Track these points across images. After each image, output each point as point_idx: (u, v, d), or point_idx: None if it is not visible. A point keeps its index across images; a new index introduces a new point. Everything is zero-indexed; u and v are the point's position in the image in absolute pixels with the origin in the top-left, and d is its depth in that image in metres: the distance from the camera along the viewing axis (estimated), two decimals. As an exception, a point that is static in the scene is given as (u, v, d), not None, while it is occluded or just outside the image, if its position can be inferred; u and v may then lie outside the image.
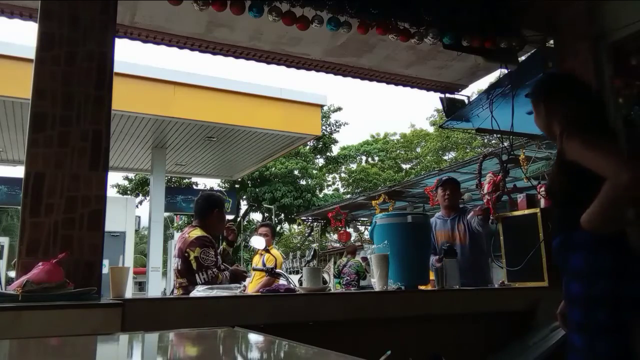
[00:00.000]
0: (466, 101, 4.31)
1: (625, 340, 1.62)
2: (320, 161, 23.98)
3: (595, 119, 1.84)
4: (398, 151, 25.88)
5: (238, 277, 3.18)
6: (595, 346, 1.62)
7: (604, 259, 1.67)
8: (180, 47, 3.53)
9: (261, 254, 4.52)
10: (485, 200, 4.40)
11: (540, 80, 2.23)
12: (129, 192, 21.15)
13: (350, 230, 14.24)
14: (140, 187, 20.69)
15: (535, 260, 2.74)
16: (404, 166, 25.53)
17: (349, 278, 2.69)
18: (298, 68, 3.87)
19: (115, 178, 23.80)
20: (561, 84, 1.97)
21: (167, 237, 16.99)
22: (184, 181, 20.64)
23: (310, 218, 16.30)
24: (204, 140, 8.91)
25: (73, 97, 2.19)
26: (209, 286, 2.36)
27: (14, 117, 7.48)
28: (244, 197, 20.66)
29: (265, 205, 20.06)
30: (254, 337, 0.56)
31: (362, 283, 2.81)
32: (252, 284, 4.13)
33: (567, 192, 1.78)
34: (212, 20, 3.23)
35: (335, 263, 2.87)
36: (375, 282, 2.55)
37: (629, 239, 1.71)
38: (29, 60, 2.51)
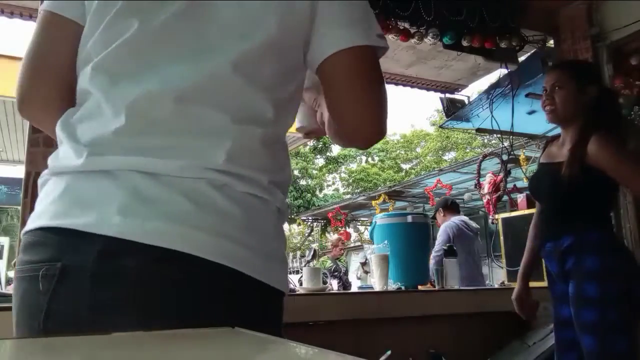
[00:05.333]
0: (466, 101, 4.31)
1: (637, 338, 1.63)
2: (320, 161, 23.99)
3: (619, 122, 1.84)
4: (398, 151, 25.88)
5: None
6: (608, 346, 1.61)
7: (620, 260, 1.70)
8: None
9: None
10: (485, 200, 4.41)
11: (581, 62, 2.15)
12: (129, 192, 21.15)
13: (350, 230, 14.24)
14: (140, 187, 20.68)
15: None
16: (404, 166, 25.52)
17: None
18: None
19: (115, 178, 23.79)
20: (600, 77, 1.97)
21: (167, 237, 16.96)
22: (184, 181, 20.62)
23: (310, 218, 16.30)
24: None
25: (73, 97, 2.19)
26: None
27: (14, 117, 7.49)
28: (244, 197, 20.67)
29: (265, 205, 20.04)
30: (254, 337, 0.55)
31: (360, 283, 2.82)
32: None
33: (580, 191, 1.72)
34: (212, 20, 3.23)
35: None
36: (375, 282, 2.55)
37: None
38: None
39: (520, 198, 3.09)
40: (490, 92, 3.81)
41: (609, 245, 1.72)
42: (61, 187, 0.68)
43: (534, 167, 7.58)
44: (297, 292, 2.37)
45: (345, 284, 4.19)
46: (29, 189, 2.07)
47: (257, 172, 0.70)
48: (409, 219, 2.82)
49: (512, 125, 3.30)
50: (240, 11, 0.72)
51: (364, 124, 0.76)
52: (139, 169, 0.65)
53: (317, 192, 21.99)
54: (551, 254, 1.81)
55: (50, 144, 2.13)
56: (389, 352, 2.05)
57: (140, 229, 0.63)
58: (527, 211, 2.94)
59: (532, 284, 2.82)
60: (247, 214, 0.68)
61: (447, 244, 3.02)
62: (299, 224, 21.23)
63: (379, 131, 0.76)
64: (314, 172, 22.53)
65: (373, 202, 10.32)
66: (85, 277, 0.62)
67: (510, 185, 4.43)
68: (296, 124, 0.97)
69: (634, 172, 1.69)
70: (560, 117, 1.83)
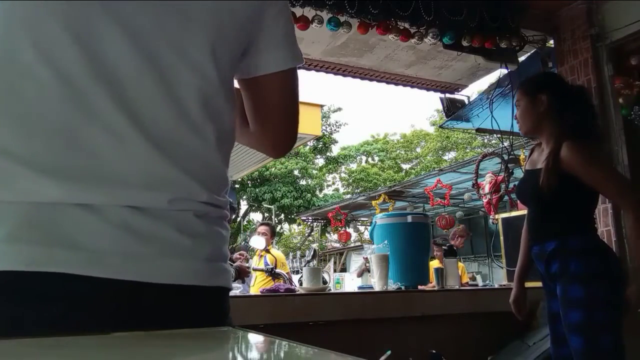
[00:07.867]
0: (466, 101, 4.31)
1: (622, 338, 1.67)
2: (320, 161, 23.98)
3: (590, 125, 1.84)
4: (398, 151, 25.86)
5: (242, 274, 3.28)
6: (595, 346, 1.65)
7: (603, 262, 1.74)
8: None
9: (261, 255, 4.51)
10: (485, 200, 4.40)
11: (534, 76, 2.20)
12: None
13: (350, 230, 14.24)
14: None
15: (535, 260, 2.74)
16: (404, 166, 25.50)
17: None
18: (298, 68, 3.86)
19: (115, 178, 23.73)
20: (556, 83, 1.95)
21: (167, 237, 16.92)
22: (184, 181, 20.57)
23: (310, 218, 16.29)
24: (204, 140, 8.90)
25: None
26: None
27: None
28: (244, 197, 20.67)
29: (265, 205, 20.07)
30: (254, 337, 0.55)
31: (361, 283, 2.82)
32: (255, 287, 4.11)
33: (561, 196, 1.76)
34: (212, 20, 3.23)
35: (335, 263, 2.87)
36: (375, 282, 2.55)
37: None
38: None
39: (521, 198, 3.08)
40: (490, 92, 3.81)
41: (592, 248, 1.77)
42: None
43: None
44: (297, 292, 2.37)
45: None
46: None
47: (222, 195, 0.73)
48: (409, 219, 2.82)
49: (512, 125, 3.30)
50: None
51: (287, 135, 0.87)
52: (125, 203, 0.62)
53: (317, 192, 21.99)
54: (538, 256, 1.86)
55: None
56: (389, 352, 2.05)
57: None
58: (526, 211, 2.94)
59: (531, 284, 2.82)
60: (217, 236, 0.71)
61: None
62: (299, 224, 21.23)
63: (294, 140, 0.89)
64: (314, 172, 22.53)
65: (373, 202, 10.31)
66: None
67: (510, 185, 4.43)
68: None
69: (603, 179, 1.76)
70: (526, 132, 1.94)
